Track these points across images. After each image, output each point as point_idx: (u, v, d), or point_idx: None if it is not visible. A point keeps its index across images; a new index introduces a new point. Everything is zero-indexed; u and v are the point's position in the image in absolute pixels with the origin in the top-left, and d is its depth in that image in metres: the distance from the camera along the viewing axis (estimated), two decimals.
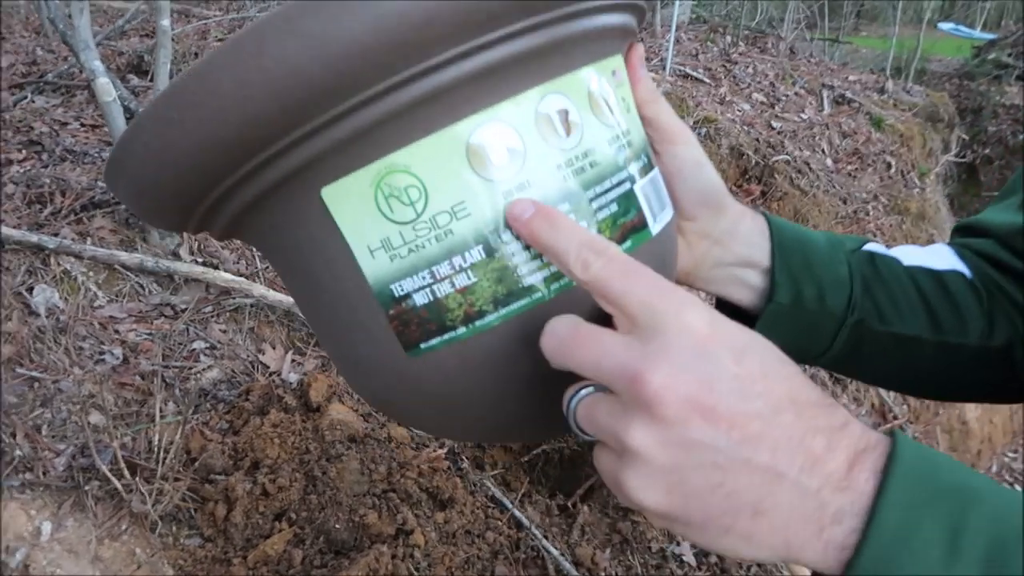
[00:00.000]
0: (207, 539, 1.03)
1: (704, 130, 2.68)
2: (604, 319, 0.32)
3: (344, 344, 0.38)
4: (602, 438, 0.31)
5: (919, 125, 3.59)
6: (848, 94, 3.57)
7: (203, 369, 1.29)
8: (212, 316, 1.40)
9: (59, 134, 1.89)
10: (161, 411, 1.16)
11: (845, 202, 2.87)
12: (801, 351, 0.49)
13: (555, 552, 1.19)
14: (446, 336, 0.34)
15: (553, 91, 0.34)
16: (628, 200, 0.36)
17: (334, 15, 0.29)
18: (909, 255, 0.52)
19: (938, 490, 0.26)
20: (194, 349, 1.32)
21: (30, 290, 1.30)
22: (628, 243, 0.36)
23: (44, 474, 1.03)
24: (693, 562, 1.31)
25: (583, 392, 0.32)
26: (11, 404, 1.11)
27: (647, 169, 0.38)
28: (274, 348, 1.41)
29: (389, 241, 0.33)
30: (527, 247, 0.33)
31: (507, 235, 0.33)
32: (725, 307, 0.50)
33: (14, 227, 1.40)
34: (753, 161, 2.67)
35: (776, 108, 3.19)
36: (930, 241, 3.08)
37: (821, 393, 0.29)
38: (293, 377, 1.34)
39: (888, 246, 0.53)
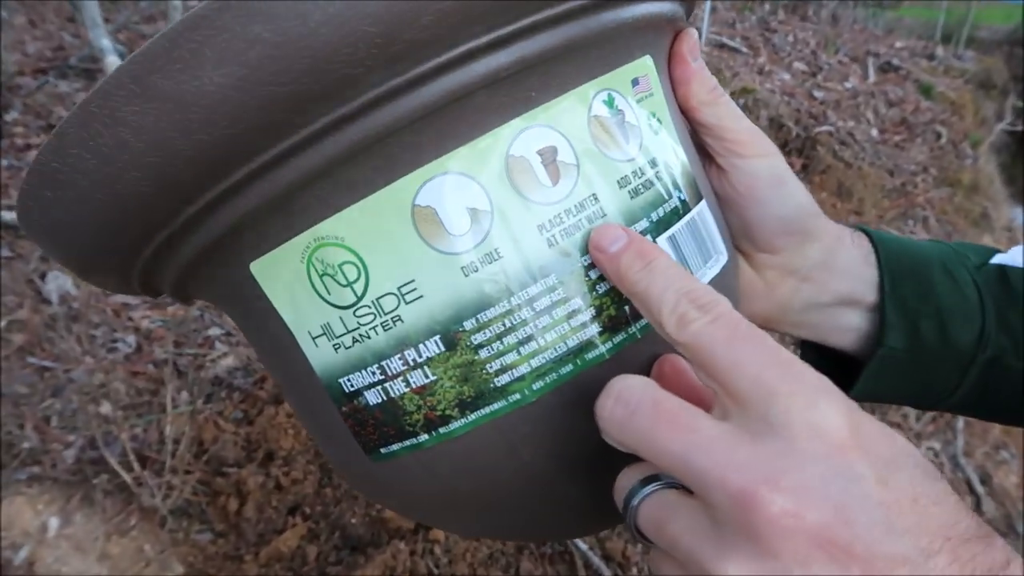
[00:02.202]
0: (218, 534, 0.99)
1: (742, 101, 2.57)
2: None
3: (313, 432, 0.32)
4: (676, 556, 0.23)
5: (971, 92, 3.42)
6: (895, 61, 3.41)
7: (218, 357, 1.25)
8: None
9: None
10: (173, 401, 1.13)
11: (892, 174, 2.73)
12: (917, 397, 0.40)
13: (583, 547, 1.13)
14: (407, 443, 0.28)
15: (532, 124, 0.26)
16: None
17: (189, 65, 0.22)
18: None
19: None
20: (209, 336, 1.28)
21: (43, 276, 1.28)
22: (643, 320, 0.27)
23: (53, 467, 1.00)
24: None
25: (650, 489, 0.24)
26: (21, 394, 1.08)
27: (683, 210, 0.29)
28: None
29: (331, 327, 0.27)
30: (501, 335, 0.26)
31: (470, 322, 0.25)
32: (813, 350, 0.41)
33: None
34: (794, 133, 2.55)
35: (818, 77, 3.06)
36: (983, 215, 2.93)
37: (977, 521, 0.22)
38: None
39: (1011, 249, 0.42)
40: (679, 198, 0.30)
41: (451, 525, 0.34)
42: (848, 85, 3.10)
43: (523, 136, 0.26)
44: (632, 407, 0.23)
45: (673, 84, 0.33)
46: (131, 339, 1.22)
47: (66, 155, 0.24)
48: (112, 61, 1.28)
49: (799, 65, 3.11)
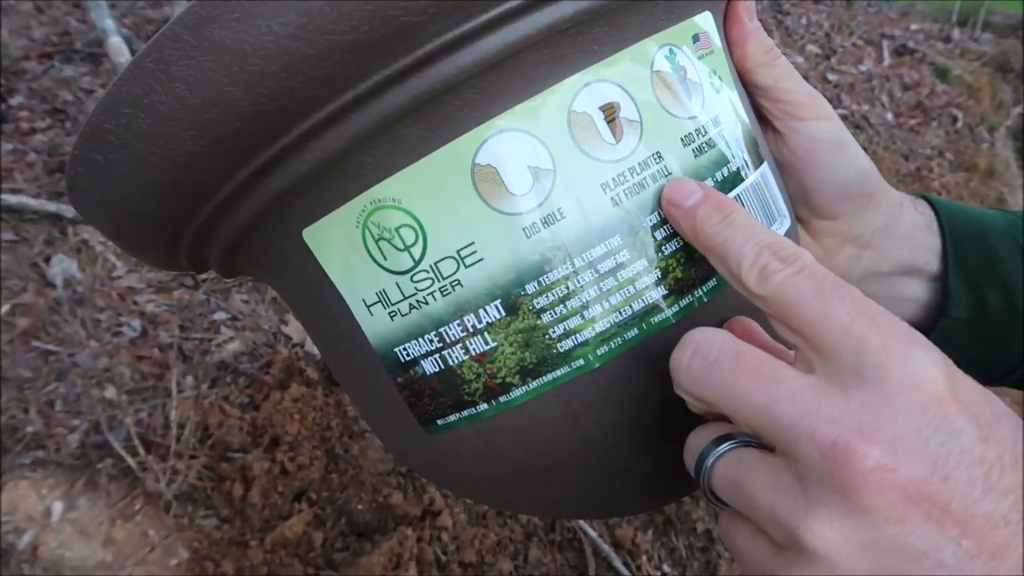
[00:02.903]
0: (223, 520, 0.98)
1: None
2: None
3: (363, 406, 0.31)
4: (755, 517, 0.22)
5: (988, 75, 3.36)
6: (910, 44, 3.36)
7: (224, 341, 1.24)
8: (234, 286, 1.34)
9: (84, 102, 1.85)
10: (179, 385, 1.12)
11: (907, 159, 2.69)
12: (980, 371, 0.38)
13: (593, 534, 1.11)
14: (465, 413, 0.27)
15: (594, 80, 0.25)
16: None
17: (248, 13, 0.21)
18: None
19: None
20: (215, 320, 1.27)
21: (47, 260, 1.26)
22: (710, 283, 0.26)
23: (56, 451, 0.99)
24: None
25: (725, 447, 0.23)
26: (25, 378, 1.07)
27: (746, 171, 0.28)
28: None
29: (386, 294, 0.26)
30: (564, 298, 0.24)
31: (532, 286, 0.24)
32: None
33: (33, 196, 1.36)
34: None
35: (832, 60, 3.01)
36: (999, 200, 2.89)
37: None
38: (317, 349, 1.29)
39: None
40: (743, 159, 0.28)
41: (504, 500, 0.33)
42: (862, 68, 3.06)
43: (585, 91, 0.25)
44: (712, 358, 0.22)
45: (729, 45, 0.32)
46: (136, 323, 1.21)
47: (119, 115, 0.23)
48: (115, 42, 1.27)
49: (812, 48, 3.06)
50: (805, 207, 0.35)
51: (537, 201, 0.24)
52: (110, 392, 1.08)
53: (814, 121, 0.33)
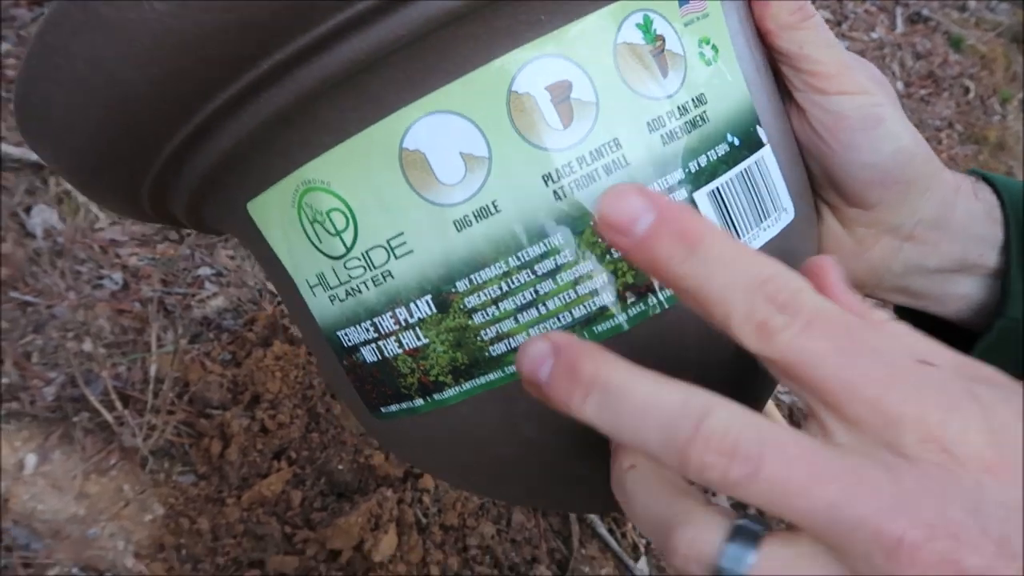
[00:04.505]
0: (200, 476, 0.96)
1: None
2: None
3: (326, 378, 0.32)
4: None
5: (1003, 46, 3.28)
6: (924, 11, 3.28)
7: (207, 296, 1.22)
8: (219, 241, 1.31)
9: None
10: (159, 340, 1.09)
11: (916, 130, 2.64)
12: None
13: None
14: (404, 405, 0.25)
15: (540, 55, 0.22)
16: None
17: None
18: None
19: None
20: (199, 275, 1.24)
21: (28, 210, 1.24)
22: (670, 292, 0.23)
23: (32, 404, 0.97)
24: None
25: (753, 558, 0.19)
26: (1, 329, 1.05)
27: (735, 158, 0.25)
28: None
29: (325, 278, 0.24)
30: (497, 299, 0.22)
31: (463, 283, 0.22)
32: (907, 316, 0.34)
33: (15, 144, 1.33)
34: None
35: (843, 27, 2.94)
36: (1008, 175, 2.84)
37: None
38: None
39: None
40: (731, 142, 0.25)
41: (458, 486, 0.33)
42: (874, 35, 2.99)
43: (529, 69, 0.22)
44: (754, 462, 0.18)
45: (751, 2, 0.28)
46: (118, 276, 1.19)
47: (38, 88, 0.23)
48: None
49: (823, 13, 2.99)
50: (833, 192, 0.31)
51: (469, 192, 0.22)
52: (88, 345, 1.06)
53: (839, 96, 0.28)
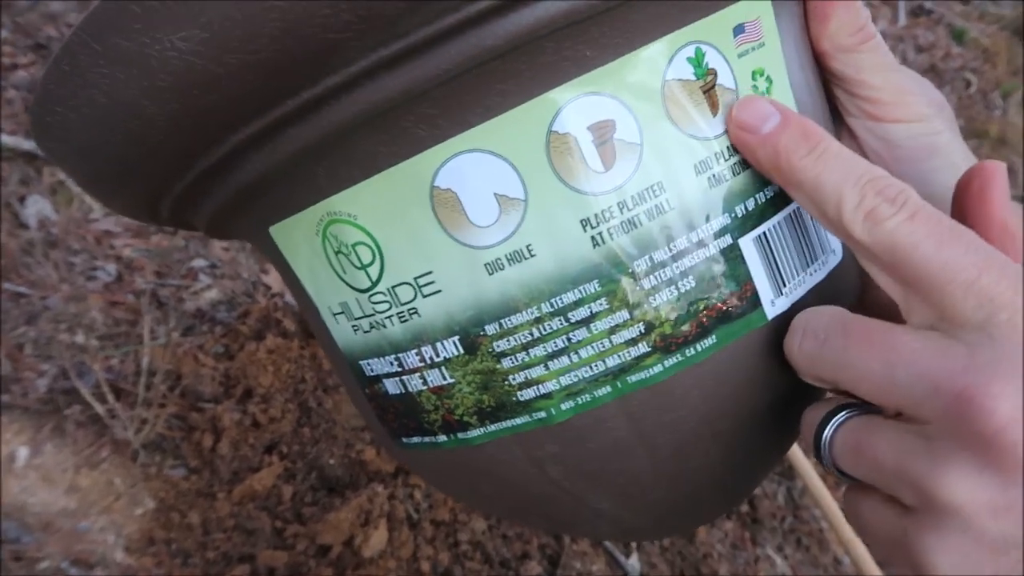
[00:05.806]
0: (192, 470, 0.97)
1: None
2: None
3: (349, 395, 0.31)
4: (881, 482, 0.21)
5: (1006, 39, 3.27)
6: (927, 4, 3.26)
7: (201, 289, 1.21)
8: None
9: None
10: (152, 332, 1.09)
11: None
12: None
13: None
14: (427, 440, 0.25)
15: (583, 93, 0.21)
16: (724, 264, 0.22)
17: (147, 25, 0.19)
18: None
19: None
20: (193, 267, 1.24)
21: (22, 200, 1.23)
22: (708, 340, 0.22)
23: (23, 396, 0.97)
24: None
25: (842, 416, 0.22)
26: None
27: (783, 200, 0.23)
28: None
29: (348, 308, 0.24)
30: (527, 345, 0.22)
31: (492, 327, 0.22)
32: None
33: (10, 133, 1.32)
34: None
35: None
36: (1009, 170, 2.83)
37: None
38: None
39: None
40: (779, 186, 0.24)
41: (476, 509, 0.33)
42: (877, 28, 2.97)
43: (571, 107, 0.21)
44: (821, 337, 0.21)
45: (807, 19, 0.26)
46: (111, 268, 1.18)
47: (54, 112, 0.22)
48: None
49: None
50: None
51: (503, 235, 0.21)
52: (80, 337, 1.06)
53: (894, 124, 0.27)
